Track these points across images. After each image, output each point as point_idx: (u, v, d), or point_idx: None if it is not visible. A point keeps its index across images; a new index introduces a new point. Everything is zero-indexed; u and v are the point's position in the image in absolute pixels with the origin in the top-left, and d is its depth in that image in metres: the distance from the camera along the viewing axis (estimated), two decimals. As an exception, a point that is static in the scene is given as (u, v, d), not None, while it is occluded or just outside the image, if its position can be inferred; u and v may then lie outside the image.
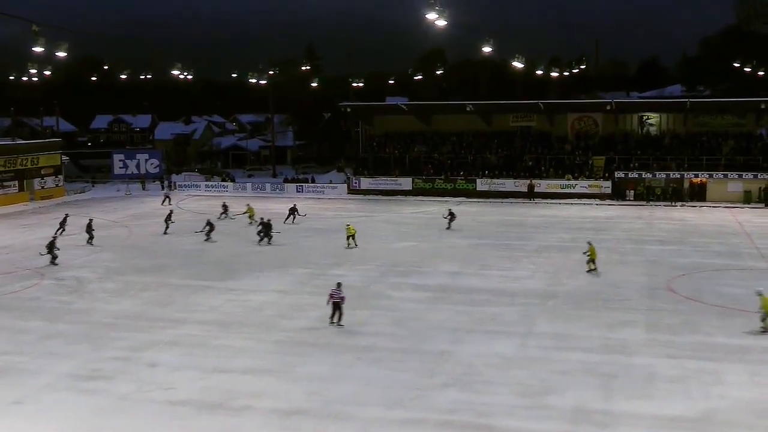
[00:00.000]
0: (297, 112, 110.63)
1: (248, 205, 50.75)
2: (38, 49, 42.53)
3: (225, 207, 51.12)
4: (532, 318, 26.92)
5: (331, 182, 72.56)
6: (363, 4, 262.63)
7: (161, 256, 38.38)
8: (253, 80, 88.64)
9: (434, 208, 56.28)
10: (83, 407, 19.36)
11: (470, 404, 19.25)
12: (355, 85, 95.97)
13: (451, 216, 46.32)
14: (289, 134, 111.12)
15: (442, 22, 41.65)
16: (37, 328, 26.30)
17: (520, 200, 59.93)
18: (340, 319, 25.85)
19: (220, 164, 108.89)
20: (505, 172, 63.50)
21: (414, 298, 29.87)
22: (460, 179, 63.76)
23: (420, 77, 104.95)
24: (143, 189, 72.86)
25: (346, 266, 35.90)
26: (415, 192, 64.11)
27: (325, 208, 58.08)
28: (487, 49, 56.74)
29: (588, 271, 33.61)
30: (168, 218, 45.86)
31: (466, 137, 68.00)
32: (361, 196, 64.52)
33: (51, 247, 36.88)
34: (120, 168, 73.04)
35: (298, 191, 68.21)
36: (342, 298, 25.85)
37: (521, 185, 61.57)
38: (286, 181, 75.47)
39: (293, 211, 48.93)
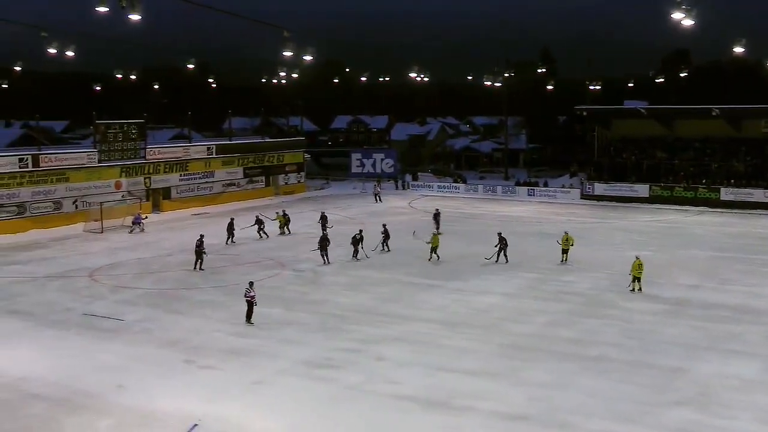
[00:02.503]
0: (531, 114, 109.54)
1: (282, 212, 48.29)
2: (288, 54, 45.15)
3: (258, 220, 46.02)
4: (779, 340, 24.92)
5: (563, 186, 71.20)
6: (602, 4, 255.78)
7: (391, 254, 39.41)
8: (488, 82, 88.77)
9: (672, 217, 53.73)
10: (314, 393, 20.35)
11: (705, 426, 18.15)
12: (591, 88, 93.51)
13: (386, 234, 40.93)
14: (522, 137, 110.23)
15: (688, 22, 39.43)
16: (277, 315, 27.99)
17: (769, 212, 55.60)
18: (249, 317, 26.79)
19: (453, 165, 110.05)
20: (754, 181, 59.23)
21: (646, 310, 28.61)
22: (702, 188, 60.27)
23: (662, 80, 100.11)
24: (397, 188, 73.08)
25: (576, 273, 35.10)
26: (652, 200, 61.33)
27: (555, 212, 57.06)
28: (738, 50, 53.01)
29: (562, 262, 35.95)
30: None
31: (711, 143, 64.13)
32: (594, 202, 62.69)
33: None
34: (357, 167, 76.01)
35: (529, 194, 67.59)
36: (252, 297, 26.69)
37: (774, 196, 57.05)
38: (517, 184, 74.96)
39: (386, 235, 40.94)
